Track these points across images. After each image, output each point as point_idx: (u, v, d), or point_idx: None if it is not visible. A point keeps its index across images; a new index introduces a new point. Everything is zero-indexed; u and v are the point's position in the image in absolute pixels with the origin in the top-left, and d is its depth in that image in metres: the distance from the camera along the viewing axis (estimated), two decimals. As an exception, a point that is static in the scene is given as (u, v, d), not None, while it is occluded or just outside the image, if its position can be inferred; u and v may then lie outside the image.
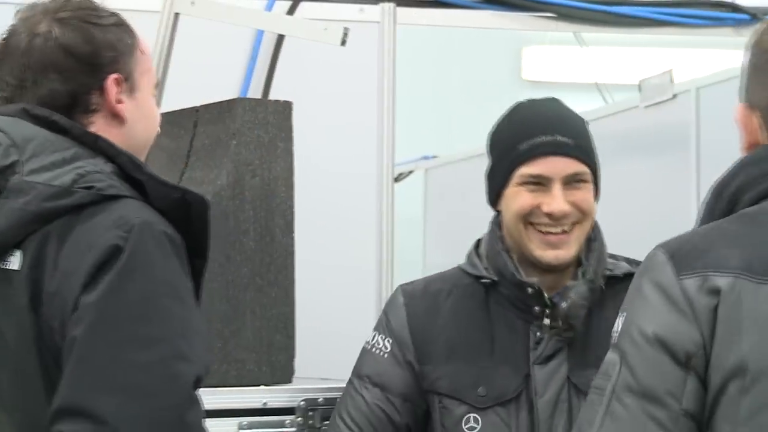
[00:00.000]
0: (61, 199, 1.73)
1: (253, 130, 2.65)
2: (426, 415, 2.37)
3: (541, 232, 2.33)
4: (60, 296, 1.68)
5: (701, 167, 3.76)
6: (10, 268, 1.74)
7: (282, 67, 3.54)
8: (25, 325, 1.71)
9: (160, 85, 3.15)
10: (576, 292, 2.31)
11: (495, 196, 2.41)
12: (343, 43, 2.87)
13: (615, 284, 2.36)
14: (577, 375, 2.29)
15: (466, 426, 2.32)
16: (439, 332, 2.38)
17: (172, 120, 2.83)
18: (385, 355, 2.38)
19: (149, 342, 1.66)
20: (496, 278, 2.37)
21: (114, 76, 1.86)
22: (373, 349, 2.41)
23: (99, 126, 1.86)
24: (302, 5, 3.47)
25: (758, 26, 1.74)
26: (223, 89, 3.28)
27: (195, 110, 2.78)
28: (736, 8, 3.64)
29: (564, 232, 2.32)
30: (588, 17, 3.61)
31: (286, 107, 2.72)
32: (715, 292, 1.55)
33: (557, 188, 2.31)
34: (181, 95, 2.89)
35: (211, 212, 2.56)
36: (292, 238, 2.70)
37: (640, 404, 1.56)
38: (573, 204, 2.31)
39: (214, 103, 2.74)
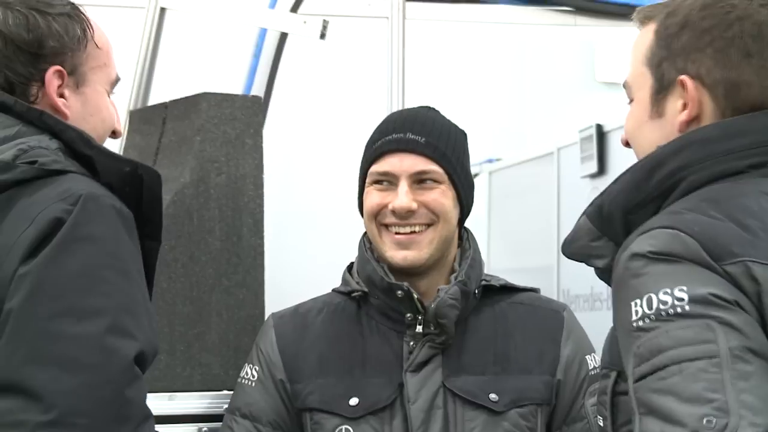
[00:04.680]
0: (2, 173, 1.65)
1: (219, 126, 2.55)
2: None
3: (391, 232, 2.25)
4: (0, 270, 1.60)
5: None
6: None
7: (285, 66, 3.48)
8: None
9: (142, 81, 3.09)
10: (445, 291, 2.22)
11: (360, 200, 2.33)
12: (323, 36, 2.78)
13: (492, 294, 2.31)
14: (453, 380, 2.22)
15: None
16: (309, 349, 2.29)
17: (144, 117, 2.76)
18: (253, 384, 2.30)
19: (87, 314, 1.58)
20: (366, 289, 2.29)
21: (55, 68, 1.78)
22: (242, 381, 2.33)
23: None
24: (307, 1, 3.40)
25: None
26: (227, 87, 3.21)
27: (164, 106, 2.68)
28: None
29: (413, 232, 2.24)
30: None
31: (255, 102, 2.61)
32: None
33: (403, 185, 2.22)
34: (186, 93, 2.78)
35: (174, 210, 2.50)
36: (261, 238, 2.59)
37: (759, 361, 1.45)
38: (421, 203, 2.23)
39: (182, 99, 2.63)
